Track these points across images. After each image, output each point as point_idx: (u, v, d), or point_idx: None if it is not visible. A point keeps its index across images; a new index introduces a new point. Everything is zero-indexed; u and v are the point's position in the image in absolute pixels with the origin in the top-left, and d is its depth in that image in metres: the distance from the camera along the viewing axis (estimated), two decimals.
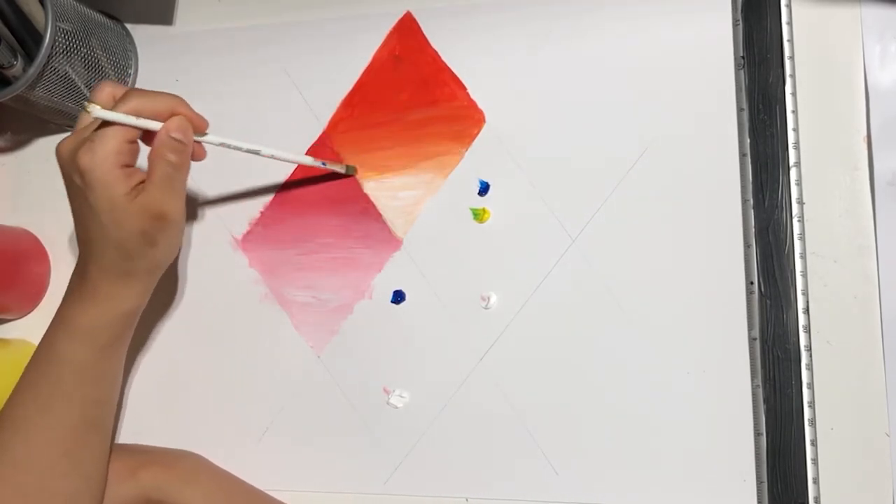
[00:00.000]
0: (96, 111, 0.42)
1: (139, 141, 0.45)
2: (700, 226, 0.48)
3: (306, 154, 0.54)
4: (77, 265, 0.47)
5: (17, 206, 0.60)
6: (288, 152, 0.51)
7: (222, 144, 0.47)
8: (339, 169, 0.53)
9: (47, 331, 0.48)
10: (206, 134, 0.47)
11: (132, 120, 0.43)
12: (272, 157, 0.50)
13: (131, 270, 0.46)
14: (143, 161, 0.46)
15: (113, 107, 0.44)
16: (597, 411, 0.49)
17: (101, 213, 0.44)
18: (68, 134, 0.45)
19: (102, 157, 0.43)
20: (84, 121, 0.46)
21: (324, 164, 0.53)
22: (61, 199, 0.55)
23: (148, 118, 0.44)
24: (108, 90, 0.45)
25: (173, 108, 0.45)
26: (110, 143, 0.43)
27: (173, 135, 0.44)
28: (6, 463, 0.45)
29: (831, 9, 0.48)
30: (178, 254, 0.55)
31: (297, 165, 0.55)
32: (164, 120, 0.44)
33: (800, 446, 0.45)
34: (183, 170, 0.45)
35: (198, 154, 0.47)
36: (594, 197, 0.50)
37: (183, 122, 0.45)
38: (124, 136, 0.43)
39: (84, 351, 0.46)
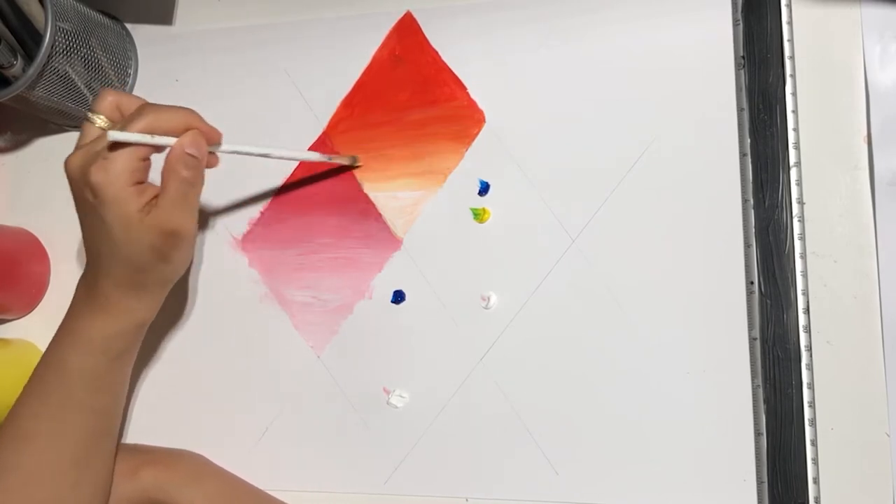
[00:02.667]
0: (112, 135, 0.41)
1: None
2: (700, 226, 0.48)
3: (301, 163, 0.55)
4: (85, 276, 0.47)
5: (17, 206, 0.60)
6: (293, 150, 0.52)
7: (234, 152, 0.47)
8: (344, 161, 0.53)
9: (54, 341, 0.47)
10: (220, 145, 0.47)
11: (147, 139, 0.43)
12: (281, 157, 0.50)
13: (142, 284, 0.46)
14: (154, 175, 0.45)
15: (128, 124, 0.43)
16: (596, 411, 0.49)
17: (113, 229, 0.43)
18: (74, 149, 0.45)
19: (116, 175, 0.42)
20: (90, 133, 0.45)
21: (329, 158, 0.53)
22: (61, 199, 0.55)
23: (162, 134, 0.43)
24: (110, 99, 0.45)
25: (187, 122, 0.44)
26: (124, 162, 0.42)
27: (188, 150, 0.43)
28: (15, 473, 0.45)
29: (831, 9, 0.48)
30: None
31: (297, 165, 0.55)
32: (178, 135, 0.44)
33: (800, 446, 0.45)
34: (197, 185, 0.45)
35: (211, 162, 0.47)
36: (594, 197, 0.50)
37: (197, 137, 0.44)
38: (137, 154, 0.43)
39: (94, 362, 0.46)
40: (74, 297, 0.47)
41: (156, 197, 0.44)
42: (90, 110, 0.45)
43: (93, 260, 0.46)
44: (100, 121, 0.45)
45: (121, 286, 0.45)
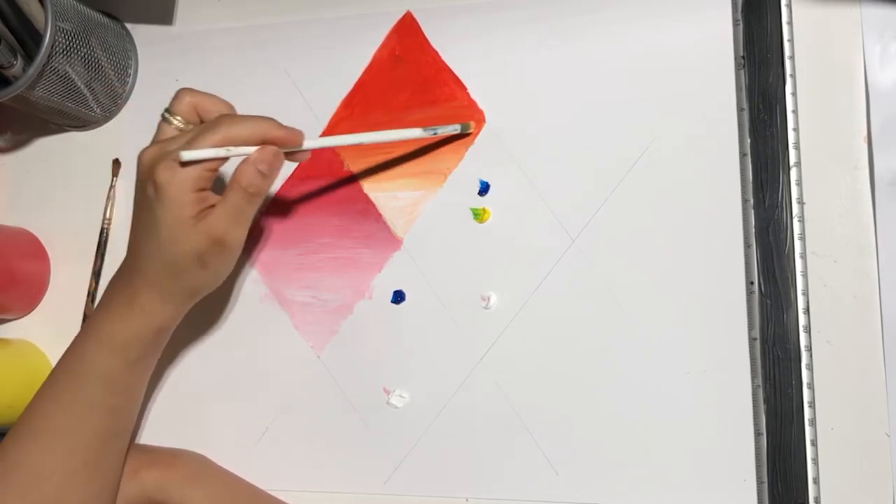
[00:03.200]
0: (185, 155, 0.42)
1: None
2: (700, 226, 0.48)
3: (300, 163, 0.55)
4: (120, 274, 0.47)
5: (17, 206, 0.60)
6: (390, 132, 0.50)
7: (321, 146, 0.46)
8: (454, 130, 0.51)
9: (77, 339, 0.47)
10: (301, 145, 0.46)
11: (222, 153, 0.43)
12: (375, 141, 0.49)
13: (175, 289, 0.46)
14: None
15: (202, 136, 0.43)
16: (596, 411, 0.49)
17: (163, 227, 0.43)
18: (149, 144, 0.45)
19: (182, 178, 0.43)
20: (165, 132, 0.46)
21: (435, 131, 0.51)
22: (61, 199, 0.55)
23: (237, 145, 0.43)
24: (188, 100, 0.45)
25: (265, 134, 0.44)
26: (192, 169, 0.43)
27: (260, 167, 0.43)
28: (28, 470, 0.45)
29: (831, 9, 0.48)
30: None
31: (296, 165, 0.55)
32: (253, 145, 0.43)
33: (800, 446, 0.45)
34: (258, 200, 0.45)
35: (301, 158, 0.47)
36: (594, 197, 0.50)
37: (270, 155, 0.44)
38: (208, 165, 0.43)
39: (115, 362, 0.46)
40: (104, 296, 0.48)
41: (212, 206, 0.44)
42: (167, 110, 0.46)
43: (132, 255, 0.46)
44: (176, 121, 0.45)
45: (152, 287, 0.45)
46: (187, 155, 0.42)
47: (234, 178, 0.44)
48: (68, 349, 0.48)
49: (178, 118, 0.46)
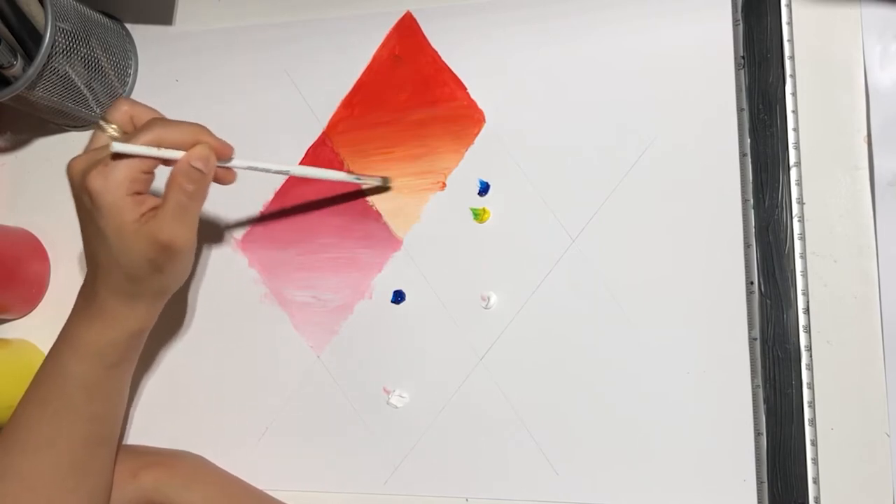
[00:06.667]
0: (117, 146, 0.41)
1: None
2: (700, 225, 0.48)
3: (301, 162, 0.55)
4: (85, 284, 0.47)
5: (17, 206, 0.60)
6: (318, 169, 0.50)
7: (250, 168, 0.46)
8: (375, 182, 0.52)
9: (53, 348, 0.47)
10: (230, 160, 0.46)
11: (153, 151, 0.42)
12: (303, 175, 0.49)
13: (138, 293, 0.45)
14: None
15: (134, 136, 0.42)
16: (596, 411, 0.49)
17: (108, 236, 0.43)
18: (80, 153, 0.44)
19: (115, 183, 0.42)
20: (98, 140, 0.45)
21: (358, 178, 0.52)
22: (61, 199, 0.55)
23: (170, 147, 0.43)
24: (124, 109, 0.45)
25: (196, 137, 0.44)
26: (124, 171, 0.42)
27: (194, 164, 0.43)
28: (14, 479, 0.45)
29: (831, 9, 0.48)
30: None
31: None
32: (186, 149, 0.43)
33: (800, 446, 0.45)
34: (198, 199, 0.44)
35: (227, 178, 0.46)
36: (594, 197, 0.50)
37: (205, 151, 0.43)
38: (140, 166, 0.42)
39: (92, 370, 0.46)
40: (75, 304, 0.47)
41: (154, 208, 0.44)
42: (103, 118, 0.45)
43: (91, 267, 0.46)
44: (111, 129, 0.45)
45: (118, 294, 0.45)
46: (119, 146, 0.41)
47: (171, 178, 0.43)
48: (46, 360, 0.47)
49: (114, 126, 0.45)
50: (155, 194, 0.45)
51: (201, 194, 0.44)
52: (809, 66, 0.48)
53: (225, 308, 0.55)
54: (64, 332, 0.47)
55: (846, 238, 0.46)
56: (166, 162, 0.43)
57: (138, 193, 0.43)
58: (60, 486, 0.46)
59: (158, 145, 0.42)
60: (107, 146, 0.43)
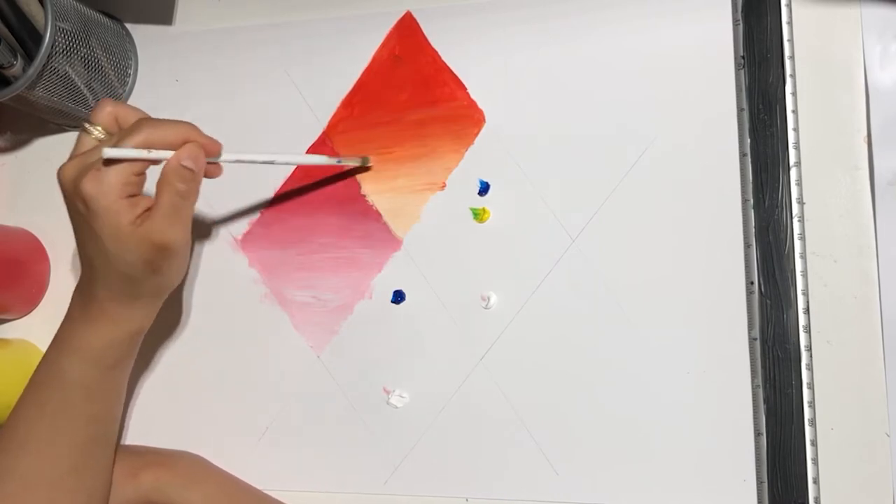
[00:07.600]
0: (107, 152, 0.41)
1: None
2: (700, 225, 0.48)
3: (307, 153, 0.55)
4: (80, 285, 0.47)
5: (17, 206, 0.60)
6: (301, 156, 0.50)
7: (237, 161, 0.46)
8: (354, 162, 0.53)
9: (50, 349, 0.47)
10: (219, 156, 0.46)
11: (143, 154, 0.42)
12: (287, 163, 0.49)
13: (136, 294, 0.45)
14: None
15: (123, 138, 0.42)
16: (596, 411, 0.49)
17: (104, 240, 0.43)
18: (68, 159, 0.44)
19: (108, 187, 0.42)
20: (85, 143, 0.45)
21: (339, 160, 0.52)
22: (61, 199, 0.54)
23: (159, 148, 0.43)
24: (108, 110, 0.44)
25: (185, 136, 0.43)
26: (117, 174, 0.42)
27: (184, 163, 0.43)
28: (14, 480, 0.45)
29: (831, 9, 0.48)
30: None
31: (297, 165, 0.55)
32: (175, 148, 0.43)
33: (800, 446, 0.45)
34: (190, 198, 0.44)
35: (214, 172, 0.46)
36: (594, 197, 0.50)
37: (195, 150, 0.43)
38: (132, 168, 0.42)
39: (90, 371, 0.46)
40: (70, 306, 0.47)
41: (148, 209, 0.43)
42: (87, 121, 0.45)
43: (87, 269, 0.46)
44: (97, 132, 0.44)
45: (115, 296, 0.45)
46: (110, 152, 0.41)
47: (161, 180, 0.43)
48: (43, 361, 0.47)
49: (99, 128, 0.44)
50: (146, 194, 0.44)
51: (193, 193, 0.44)
52: (809, 66, 0.48)
53: (225, 308, 0.55)
54: (61, 333, 0.47)
55: (846, 238, 0.46)
56: (157, 162, 0.43)
57: (132, 196, 0.43)
58: (59, 486, 0.46)
59: (148, 146, 0.42)
60: (95, 150, 0.43)
